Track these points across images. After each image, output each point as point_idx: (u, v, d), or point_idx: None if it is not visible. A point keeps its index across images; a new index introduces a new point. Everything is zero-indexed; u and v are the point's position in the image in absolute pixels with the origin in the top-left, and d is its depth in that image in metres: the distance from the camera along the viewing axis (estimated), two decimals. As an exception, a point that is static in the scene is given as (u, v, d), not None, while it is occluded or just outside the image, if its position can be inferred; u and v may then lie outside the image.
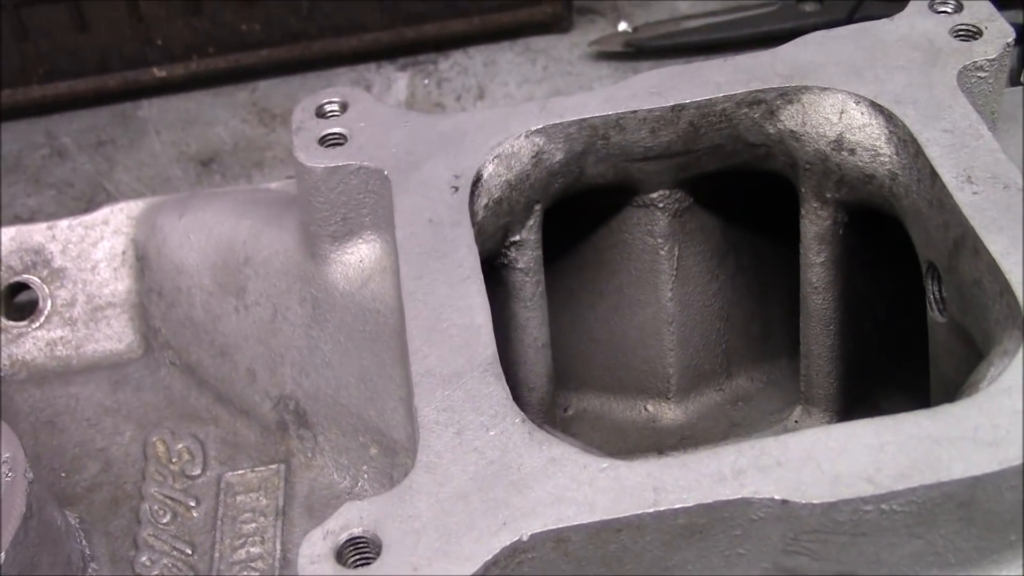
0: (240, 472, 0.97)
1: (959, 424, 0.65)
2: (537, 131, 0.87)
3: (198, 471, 0.98)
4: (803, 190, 0.92)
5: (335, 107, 0.91)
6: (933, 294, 0.84)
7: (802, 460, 0.65)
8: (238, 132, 1.50)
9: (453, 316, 0.75)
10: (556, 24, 1.58)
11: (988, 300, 0.75)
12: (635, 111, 0.88)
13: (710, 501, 0.63)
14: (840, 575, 0.67)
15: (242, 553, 0.92)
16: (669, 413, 1.02)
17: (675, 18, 1.56)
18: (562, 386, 1.03)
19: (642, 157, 0.90)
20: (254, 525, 0.94)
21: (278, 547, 0.92)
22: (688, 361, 1.01)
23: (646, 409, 1.02)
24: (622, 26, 1.58)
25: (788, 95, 0.89)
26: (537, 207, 0.88)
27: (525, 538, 0.63)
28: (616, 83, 0.91)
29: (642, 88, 0.89)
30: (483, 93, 1.52)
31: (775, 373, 1.05)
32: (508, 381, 0.82)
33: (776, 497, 0.63)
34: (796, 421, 0.99)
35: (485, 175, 0.85)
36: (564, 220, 0.94)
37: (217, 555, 0.92)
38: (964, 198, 0.78)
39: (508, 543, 0.62)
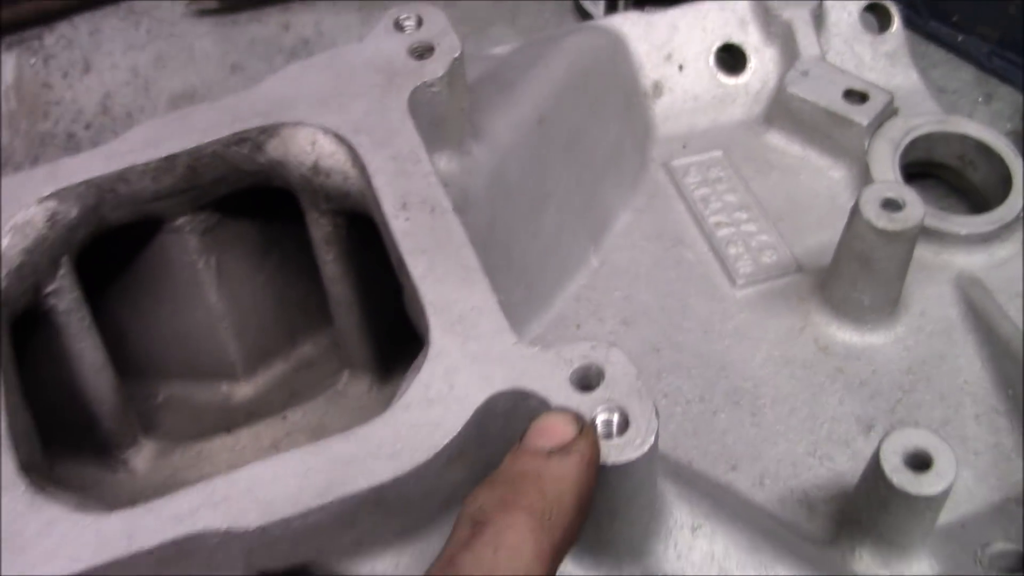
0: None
1: (368, 443, 0.83)
2: (48, 197, 0.98)
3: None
4: (302, 203, 1.06)
5: None
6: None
7: (243, 492, 0.81)
8: None
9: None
10: (155, -17, 1.65)
11: (420, 319, 0.92)
12: (133, 165, 1.00)
13: (168, 540, 0.79)
14: (304, 562, 0.85)
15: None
16: (240, 391, 1.18)
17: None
18: (150, 377, 1.18)
19: (153, 199, 1.03)
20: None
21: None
22: (251, 345, 1.17)
23: (222, 389, 1.18)
24: (215, -19, 1.66)
25: (268, 131, 1.02)
26: (64, 259, 1.00)
27: (21, 594, 0.78)
28: (119, 137, 1.02)
29: (139, 141, 1.00)
30: (89, 66, 1.59)
31: (336, 336, 1.21)
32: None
33: (221, 528, 0.80)
34: (345, 384, 1.17)
35: (2, 248, 0.95)
36: (108, 248, 1.07)
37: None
38: (398, 225, 0.94)
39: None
